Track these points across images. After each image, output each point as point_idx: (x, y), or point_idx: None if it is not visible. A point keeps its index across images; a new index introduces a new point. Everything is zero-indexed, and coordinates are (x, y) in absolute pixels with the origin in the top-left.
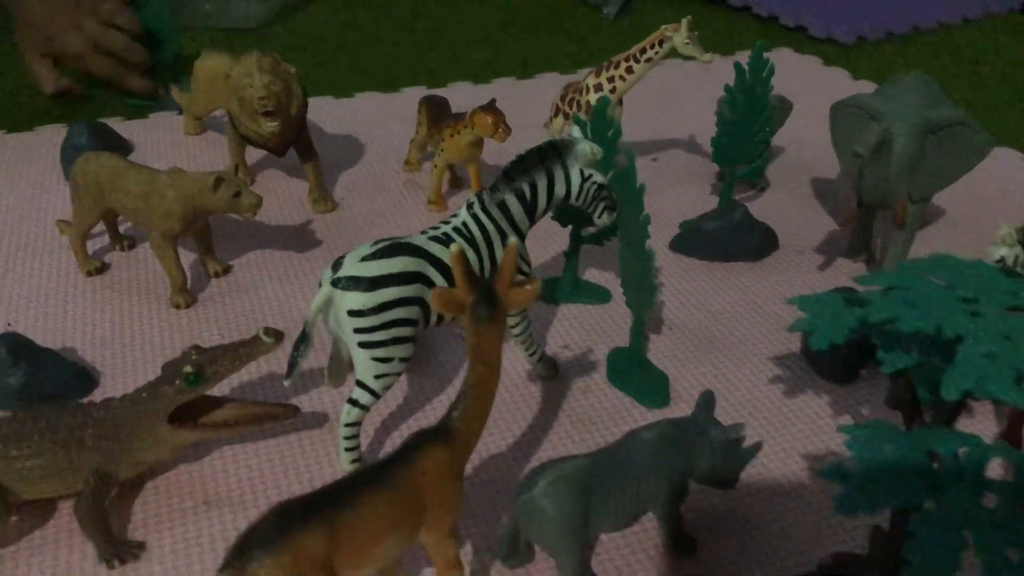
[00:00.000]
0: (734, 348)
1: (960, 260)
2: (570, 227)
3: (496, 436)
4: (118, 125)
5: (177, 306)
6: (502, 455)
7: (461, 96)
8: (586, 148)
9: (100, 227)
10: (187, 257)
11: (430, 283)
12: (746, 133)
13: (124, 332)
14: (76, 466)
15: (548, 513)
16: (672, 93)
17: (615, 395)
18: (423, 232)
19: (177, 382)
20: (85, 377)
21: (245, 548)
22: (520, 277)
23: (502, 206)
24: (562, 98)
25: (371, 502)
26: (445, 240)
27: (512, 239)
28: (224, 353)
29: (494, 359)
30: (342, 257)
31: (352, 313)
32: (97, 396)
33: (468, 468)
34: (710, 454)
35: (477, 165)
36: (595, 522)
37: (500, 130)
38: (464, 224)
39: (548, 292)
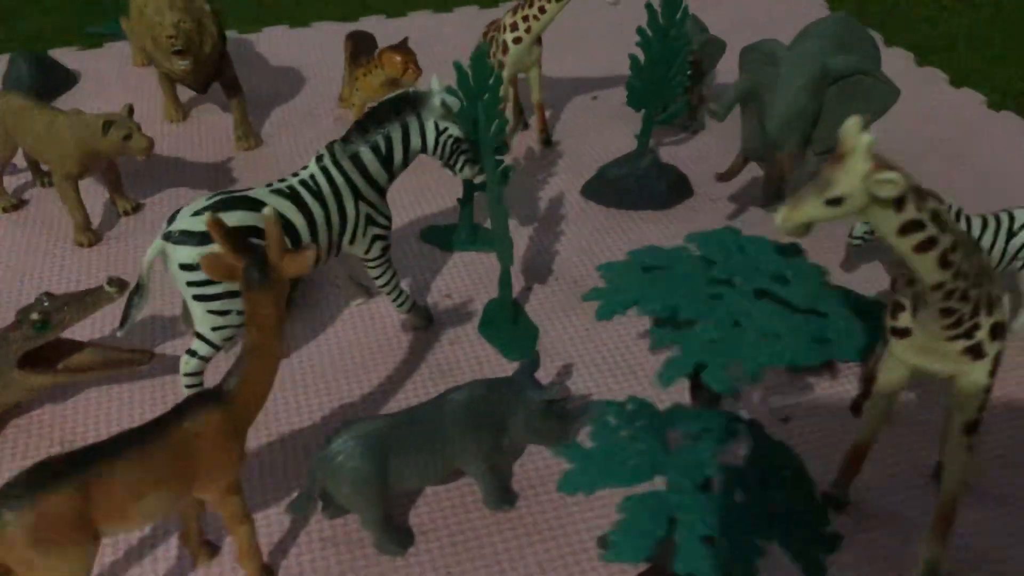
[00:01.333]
0: None
1: (742, 237)
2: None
3: (355, 385)
4: (68, 55)
5: (80, 244)
6: (354, 405)
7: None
8: (439, 101)
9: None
10: (102, 194)
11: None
12: (661, 76)
13: (28, 268)
14: None
15: (343, 470)
16: (619, 28)
17: (483, 346)
18: (268, 184)
19: (24, 328)
20: None
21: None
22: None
23: (355, 159)
24: (484, 35)
25: (130, 461)
26: (288, 193)
27: (268, 209)
28: (70, 301)
29: (269, 324)
30: (179, 210)
31: (183, 267)
32: None
33: (318, 416)
34: (527, 415)
35: None
36: (396, 479)
37: (410, 70)
38: (312, 177)
39: (444, 240)
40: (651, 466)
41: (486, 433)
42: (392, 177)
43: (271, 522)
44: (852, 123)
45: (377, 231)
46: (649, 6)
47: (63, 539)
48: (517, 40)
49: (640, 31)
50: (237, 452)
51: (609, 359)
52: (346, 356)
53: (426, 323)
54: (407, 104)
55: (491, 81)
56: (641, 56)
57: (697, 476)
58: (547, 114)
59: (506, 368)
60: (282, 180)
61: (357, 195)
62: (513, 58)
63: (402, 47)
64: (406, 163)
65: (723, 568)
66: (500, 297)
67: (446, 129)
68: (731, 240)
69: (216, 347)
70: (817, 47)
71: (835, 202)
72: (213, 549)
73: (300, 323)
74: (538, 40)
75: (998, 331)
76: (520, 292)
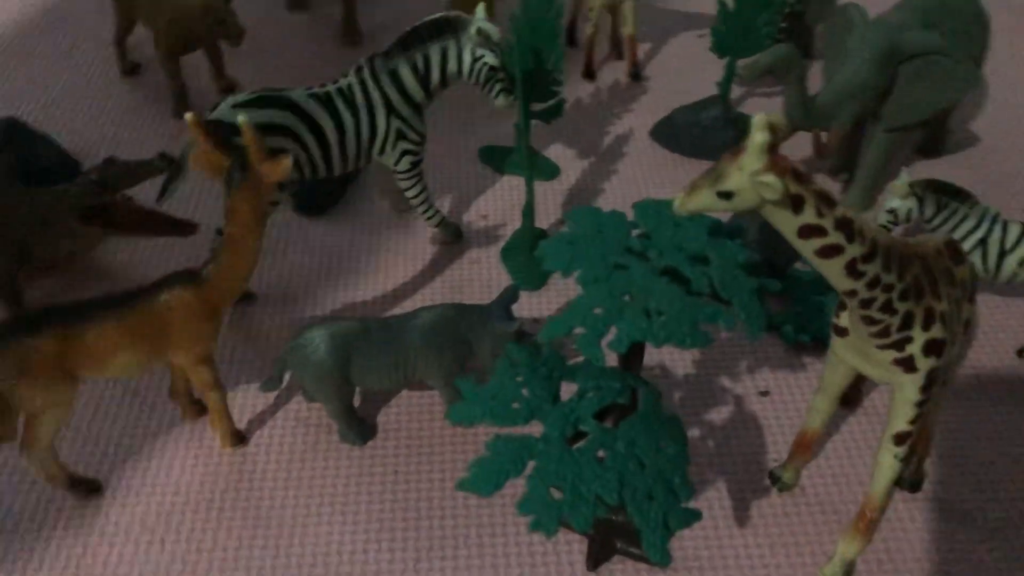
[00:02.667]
0: None
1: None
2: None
3: (368, 285)
4: None
5: (175, 115)
6: (362, 303)
7: None
8: (474, 29)
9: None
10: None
11: (297, 137)
12: (748, 25)
13: (120, 132)
14: (4, 235)
15: (308, 361)
16: None
17: (500, 271)
18: (309, 88)
19: (84, 186)
20: (70, 163)
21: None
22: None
23: (393, 74)
24: None
25: (105, 322)
26: (323, 99)
27: (242, 116)
28: (124, 169)
29: (245, 221)
30: (224, 99)
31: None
32: None
33: (329, 308)
34: (492, 343)
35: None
36: (357, 378)
37: None
38: (349, 86)
39: (499, 161)
40: (530, 411)
41: (449, 353)
42: (430, 95)
43: (256, 398)
44: (758, 118)
45: (407, 146)
46: None
47: (43, 375)
48: None
49: None
50: (208, 329)
51: None
52: (368, 257)
53: (454, 239)
54: (448, 27)
55: (549, 13)
56: (730, 2)
57: (568, 429)
58: (647, 47)
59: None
60: (323, 85)
61: (390, 109)
62: None
63: None
64: (444, 84)
65: (560, 518)
66: (522, 225)
67: (482, 56)
68: (669, 213)
69: None
70: (898, 20)
71: (726, 195)
72: (200, 408)
73: (335, 220)
74: None
75: (933, 347)
76: (554, 224)
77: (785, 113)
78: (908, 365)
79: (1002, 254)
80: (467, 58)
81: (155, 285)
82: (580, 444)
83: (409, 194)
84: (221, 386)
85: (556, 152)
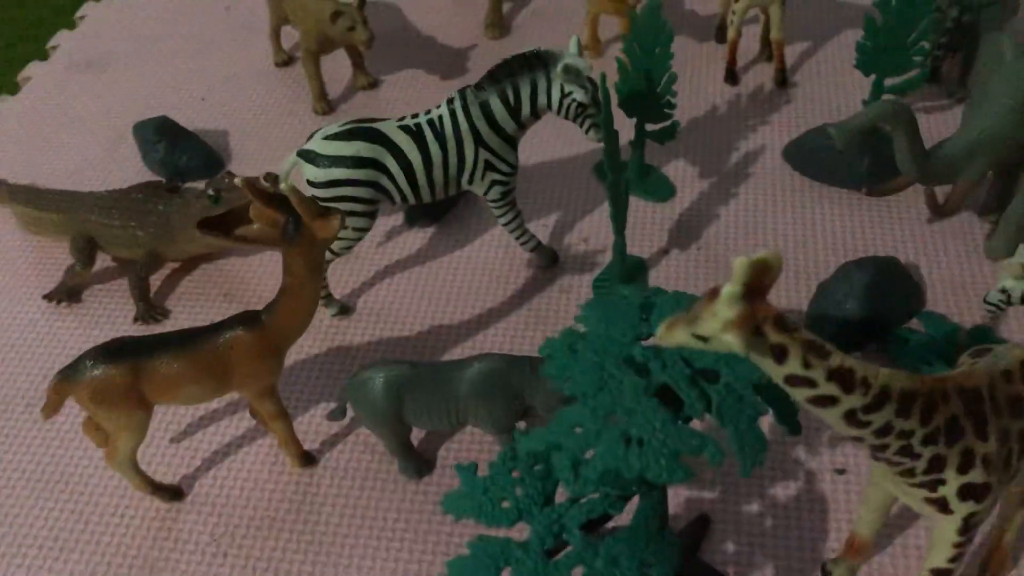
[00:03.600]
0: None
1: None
2: (635, 120)
3: (449, 311)
4: None
5: (315, 112)
6: (444, 329)
7: None
8: (562, 65)
9: None
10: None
11: (384, 169)
12: (898, 42)
13: (263, 127)
14: (139, 242)
15: (364, 400)
16: None
17: None
18: (400, 118)
19: (202, 200)
20: (214, 160)
21: (73, 366)
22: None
23: (484, 106)
24: None
25: (172, 358)
26: (413, 130)
27: (284, 184)
28: (233, 185)
29: (299, 273)
30: (319, 129)
31: (308, 183)
32: None
33: (406, 346)
34: (544, 395)
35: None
36: (410, 418)
37: None
38: (440, 118)
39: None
40: (518, 513)
41: (500, 404)
42: (522, 127)
43: (328, 424)
44: (739, 263)
45: (496, 176)
46: None
47: (118, 402)
48: None
49: None
50: (267, 368)
51: None
52: (463, 275)
53: (549, 262)
54: (538, 62)
55: (660, 38)
56: (878, 17)
57: (549, 539)
58: (804, 47)
59: None
60: (414, 116)
61: (479, 141)
62: None
63: None
64: (536, 116)
65: None
66: (611, 264)
67: (571, 93)
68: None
69: (334, 253)
70: None
71: (702, 339)
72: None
73: (441, 231)
74: None
75: (971, 491)
76: (655, 254)
77: (898, 166)
78: (942, 506)
79: None
80: (556, 94)
81: (219, 325)
82: (559, 557)
83: (501, 221)
84: (285, 415)
85: (676, 169)
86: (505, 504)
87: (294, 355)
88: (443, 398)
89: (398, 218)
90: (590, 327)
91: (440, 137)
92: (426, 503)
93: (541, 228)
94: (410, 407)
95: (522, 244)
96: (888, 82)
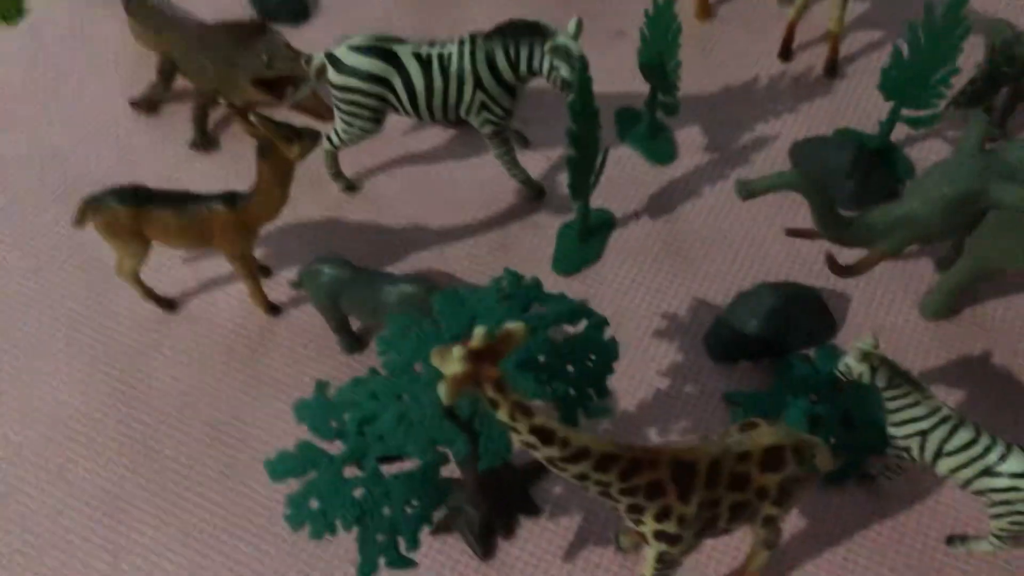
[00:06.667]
0: (679, 285)
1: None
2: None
3: (429, 212)
4: None
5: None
6: (416, 235)
7: None
8: (551, 44)
9: None
10: None
11: (391, 87)
12: (921, 77)
13: None
14: (208, 76)
15: (310, 288)
16: None
17: (550, 246)
18: (418, 44)
19: (256, 60)
20: (301, 7)
21: (96, 198)
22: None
23: (489, 55)
24: None
25: (167, 214)
26: (424, 60)
27: (253, 116)
28: (291, 56)
29: (267, 181)
30: (349, 37)
31: (327, 82)
32: (313, 24)
33: (377, 239)
34: None
35: None
36: (345, 311)
37: None
38: (449, 56)
39: (625, 128)
40: (339, 433)
41: None
42: (521, 79)
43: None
44: (477, 332)
45: (489, 116)
46: (928, 5)
47: (123, 234)
48: None
49: (910, 27)
50: (238, 240)
51: (630, 324)
52: (446, 185)
53: (536, 195)
54: (537, 32)
55: (669, 36)
56: (904, 49)
57: (351, 460)
58: (872, 37)
59: (543, 275)
60: (430, 45)
61: (478, 84)
62: None
63: None
64: (531, 73)
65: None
66: (578, 209)
67: (557, 68)
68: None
69: (342, 141)
70: (1019, 158)
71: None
72: (265, 271)
73: (446, 134)
74: None
75: (663, 537)
76: (628, 214)
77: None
78: (643, 537)
79: (938, 455)
80: (545, 64)
81: (207, 197)
82: (352, 477)
83: (493, 152)
84: (253, 277)
85: (688, 135)
86: (333, 423)
87: (292, 218)
88: (371, 304)
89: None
90: (442, 312)
91: (445, 72)
92: (348, 372)
93: (543, 160)
94: (345, 303)
95: (512, 175)
96: (905, 112)
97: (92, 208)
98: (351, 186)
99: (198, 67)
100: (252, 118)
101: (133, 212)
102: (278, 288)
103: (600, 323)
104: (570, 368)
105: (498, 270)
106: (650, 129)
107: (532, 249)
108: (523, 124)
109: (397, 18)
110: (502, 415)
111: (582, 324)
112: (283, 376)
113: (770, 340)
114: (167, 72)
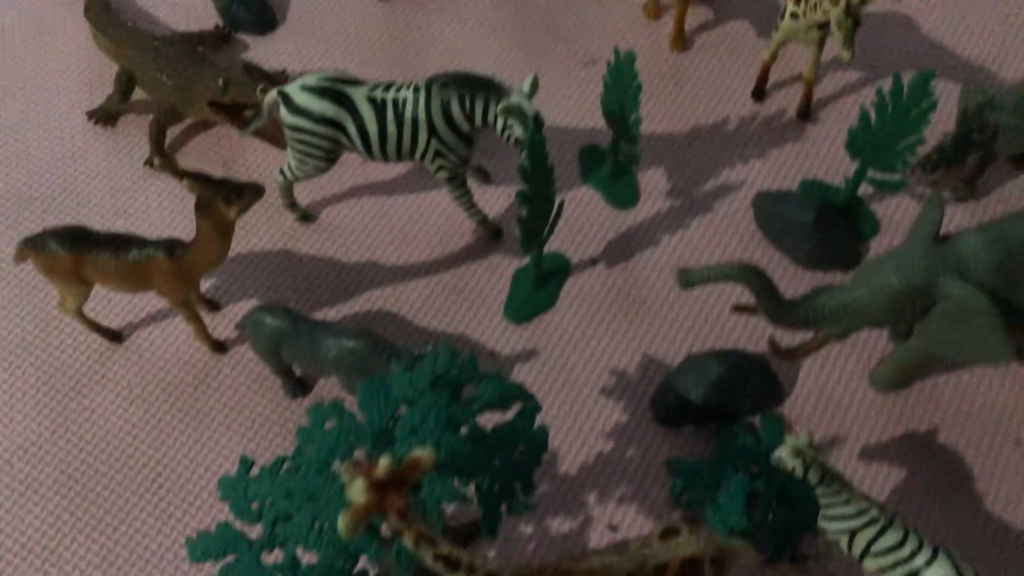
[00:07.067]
0: (628, 336)
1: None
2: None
3: (388, 253)
4: None
5: None
6: (369, 272)
7: None
8: (503, 105)
9: None
10: None
11: (344, 130)
12: (887, 143)
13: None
14: (165, 91)
15: (252, 336)
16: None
17: (505, 290)
18: (373, 87)
19: (212, 85)
20: (268, 18)
21: (34, 240)
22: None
23: (444, 104)
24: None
25: (107, 259)
26: (379, 105)
27: (187, 181)
28: (245, 83)
29: (207, 235)
30: (303, 75)
31: (281, 119)
32: (279, 34)
33: (329, 274)
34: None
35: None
36: (287, 360)
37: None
38: (404, 101)
39: (588, 169)
40: (258, 517)
41: (355, 379)
42: (474, 128)
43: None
44: (382, 461)
45: (442, 163)
46: (896, 75)
47: (63, 275)
48: (793, 16)
49: (879, 94)
50: (178, 288)
51: (578, 380)
52: (413, 224)
53: (493, 236)
54: (492, 89)
55: (630, 91)
56: (872, 114)
57: (269, 547)
58: (835, 86)
59: (495, 320)
60: (385, 89)
61: (432, 132)
62: (784, 31)
63: None
64: (486, 125)
65: None
66: (532, 257)
67: (511, 127)
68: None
69: (295, 177)
70: (969, 250)
71: None
72: (213, 305)
73: (412, 174)
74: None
75: None
76: (584, 260)
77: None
78: None
79: (865, 554)
80: (499, 122)
81: (148, 243)
82: (271, 565)
83: (450, 194)
84: (196, 319)
85: (650, 178)
86: (255, 506)
87: (244, 248)
88: (312, 356)
89: None
90: (364, 401)
91: (399, 119)
92: (292, 413)
93: (504, 197)
94: (286, 354)
95: (468, 216)
96: (871, 173)
97: (31, 250)
98: (306, 216)
99: (155, 81)
100: (185, 182)
101: (72, 256)
102: (225, 322)
103: (532, 411)
104: (496, 462)
105: (451, 314)
106: (613, 171)
107: (486, 292)
108: (485, 156)
109: (364, 30)
110: (407, 542)
111: (513, 409)
112: (227, 416)
113: (715, 408)
114: (124, 84)
